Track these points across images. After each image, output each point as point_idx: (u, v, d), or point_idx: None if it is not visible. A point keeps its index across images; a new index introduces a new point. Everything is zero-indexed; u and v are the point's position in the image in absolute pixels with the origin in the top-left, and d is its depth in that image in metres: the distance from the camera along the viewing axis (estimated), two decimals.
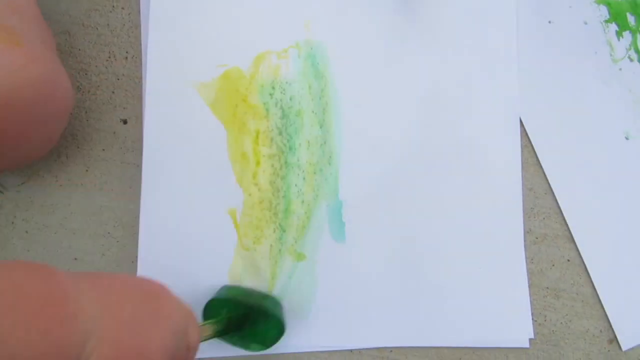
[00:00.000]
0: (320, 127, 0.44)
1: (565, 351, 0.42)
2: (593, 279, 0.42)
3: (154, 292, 0.34)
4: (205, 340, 0.38)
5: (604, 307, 0.42)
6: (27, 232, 0.45)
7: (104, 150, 0.45)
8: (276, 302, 0.42)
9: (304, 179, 0.44)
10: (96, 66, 0.46)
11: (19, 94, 0.34)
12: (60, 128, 0.42)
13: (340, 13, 0.45)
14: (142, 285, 0.34)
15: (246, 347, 0.42)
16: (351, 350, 0.43)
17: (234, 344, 0.41)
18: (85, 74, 0.46)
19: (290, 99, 0.45)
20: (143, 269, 0.43)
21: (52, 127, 0.40)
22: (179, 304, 0.34)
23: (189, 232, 0.43)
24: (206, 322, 0.39)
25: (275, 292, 0.43)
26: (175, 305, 0.34)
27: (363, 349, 0.43)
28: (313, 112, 0.44)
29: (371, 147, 0.44)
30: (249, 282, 0.43)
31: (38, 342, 0.26)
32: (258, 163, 0.44)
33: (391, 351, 0.43)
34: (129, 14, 0.46)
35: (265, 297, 0.42)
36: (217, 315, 0.40)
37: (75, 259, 0.44)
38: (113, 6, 0.46)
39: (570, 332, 0.43)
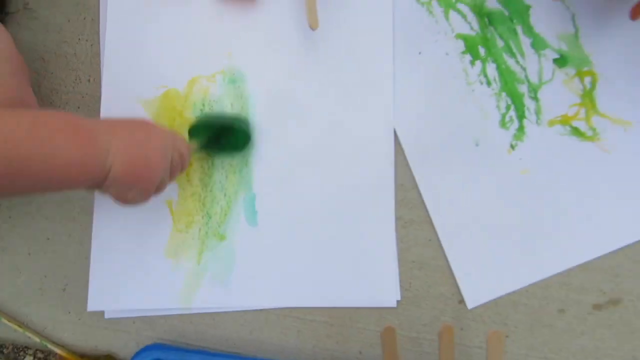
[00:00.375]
0: None
1: (425, 310, 0.54)
2: (447, 255, 0.54)
3: (145, 123, 0.49)
4: (194, 152, 0.53)
5: (455, 276, 0.54)
6: (10, 217, 0.57)
7: None
8: (244, 120, 0.56)
9: (226, 177, 0.56)
10: (65, 87, 0.58)
11: None
12: None
13: (256, 46, 0.57)
14: (135, 121, 0.49)
15: (226, 155, 0.56)
16: (260, 310, 0.55)
17: (217, 154, 0.56)
18: (57, 92, 0.58)
19: None
20: (96, 246, 0.55)
21: None
22: (164, 128, 0.50)
23: (134, 217, 0.55)
24: (191, 140, 0.54)
25: (201, 265, 0.55)
26: (161, 129, 0.49)
27: (269, 308, 0.55)
28: None
29: (278, 151, 0.56)
30: (181, 257, 0.55)
31: (79, 151, 0.41)
32: (190, 164, 0.56)
33: (291, 310, 0.55)
34: (91, 45, 0.58)
35: (235, 117, 0.56)
36: (199, 134, 0.54)
37: (48, 238, 0.57)
38: (79, 39, 0.58)
39: (429, 296, 0.55)
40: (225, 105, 0.57)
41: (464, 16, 0.56)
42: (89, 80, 0.58)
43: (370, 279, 0.54)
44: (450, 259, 0.54)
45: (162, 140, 0.48)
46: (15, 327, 0.55)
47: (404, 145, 0.55)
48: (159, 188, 0.49)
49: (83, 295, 0.55)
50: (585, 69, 0.54)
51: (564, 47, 0.55)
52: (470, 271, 0.54)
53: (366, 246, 0.55)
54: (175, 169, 0.50)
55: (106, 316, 0.56)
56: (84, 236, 0.56)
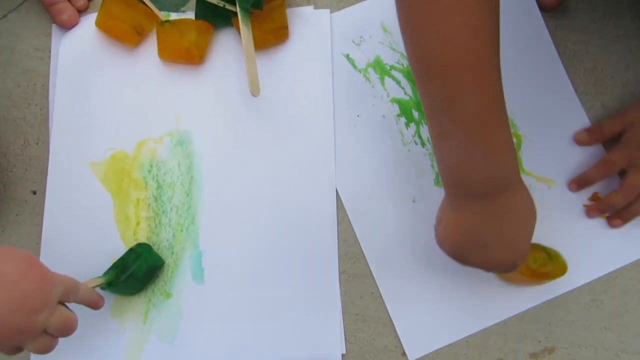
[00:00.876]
0: (187, 196, 0.58)
1: None
2: (388, 308, 0.56)
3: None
4: (98, 286, 0.52)
5: (396, 329, 0.56)
6: None
7: (17, 215, 0.58)
8: (142, 252, 0.55)
9: (173, 235, 0.57)
10: (14, 150, 0.59)
11: None
12: None
13: (201, 108, 0.60)
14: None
15: (131, 291, 0.55)
16: None
17: (123, 291, 0.55)
18: (5, 155, 0.59)
19: (164, 174, 0.58)
20: None
21: None
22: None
23: (80, 278, 0.55)
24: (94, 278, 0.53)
25: (147, 324, 0.55)
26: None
27: None
28: (181, 184, 0.58)
29: (224, 210, 0.58)
30: (127, 316, 0.55)
31: None
32: (138, 223, 0.58)
33: None
34: (40, 110, 0.60)
35: (136, 255, 0.54)
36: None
37: None
38: (29, 104, 0.60)
39: (374, 348, 0.56)
40: (172, 165, 0.58)
41: (398, 82, 0.60)
42: (37, 144, 0.59)
43: (315, 333, 0.55)
44: (391, 312, 0.56)
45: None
46: None
47: (345, 203, 0.58)
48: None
49: (26, 354, 0.55)
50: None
51: None
52: (411, 324, 0.56)
53: (311, 300, 0.56)
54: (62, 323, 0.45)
55: None
56: None
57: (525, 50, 0.60)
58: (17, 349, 0.44)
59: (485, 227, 0.45)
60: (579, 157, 0.58)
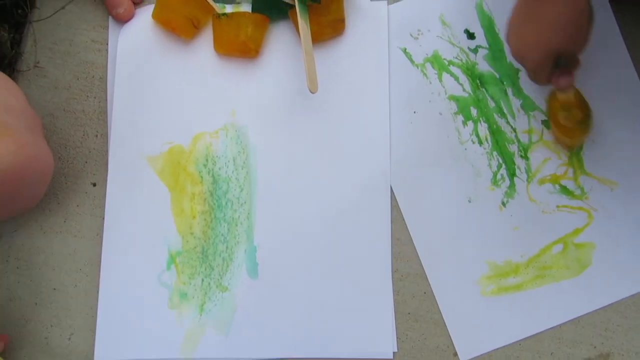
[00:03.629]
0: (242, 191, 0.59)
1: None
2: (441, 308, 0.56)
3: None
4: None
5: (448, 329, 0.56)
6: (17, 267, 0.59)
7: (78, 206, 0.59)
8: None
9: (228, 229, 0.58)
10: (73, 142, 0.60)
11: (10, 172, 0.47)
12: (42, 190, 0.55)
13: (257, 103, 0.60)
14: None
15: None
16: None
17: None
18: (65, 147, 0.60)
19: (219, 169, 0.59)
20: (103, 298, 0.57)
21: (36, 190, 0.54)
22: None
23: (139, 269, 0.57)
24: None
25: (203, 316, 0.57)
26: None
27: (269, 358, 0.57)
28: (236, 179, 0.59)
29: (279, 205, 0.58)
30: (184, 308, 0.57)
31: None
32: (194, 217, 0.58)
33: None
34: (99, 102, 0.60)
35: None
36: None
37: (54, 289, 0.58)
38: (87, 96, 0.61)
39: (425, 348, 0.56)
40: (227, 160, 0.59)
41: (456, 78, 0.59)
42: (96, 136, 0.60)
43: (367, 331, 0.56)
44: (443, 312, 0.56)
45: None
46: None
47: (399, 201, 0.57)
48: None
49: (87, 345, 0.57)
50: None
51: None
52: (464, 325, 0.56)
53: (364, 298, 0.56)
54: None
55: None
56: (90, 287, 0.58)
57: (593, 43, 0.57)
58: None
59: (520, 21, 0.51)
60: None
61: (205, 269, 0.58)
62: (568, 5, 0.48)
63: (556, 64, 0.51)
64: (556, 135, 0.57)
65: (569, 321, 0.55)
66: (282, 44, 0.60)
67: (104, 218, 0.58)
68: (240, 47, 0.59)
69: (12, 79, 0.60)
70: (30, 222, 0.59)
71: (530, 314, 0.55)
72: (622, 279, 0.55)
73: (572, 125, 0.55)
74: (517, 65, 0.57)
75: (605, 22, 0.58)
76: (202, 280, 0.58)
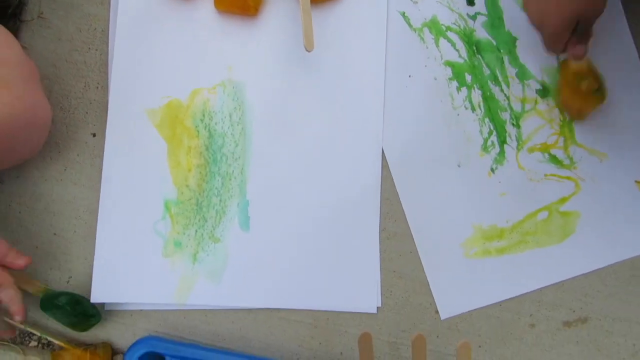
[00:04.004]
0: (236, 146, 0.60)
1: (403, 317, 0.58)
2: (425, 268, 0.58)
3: None
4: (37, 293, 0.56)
5: (431, 288, 0.58)
6: (20, 212, 0.61)
7: (78, 155, 0.61)
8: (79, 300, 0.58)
9: (222, 183, 0.60)
10: (75, 93, 0.61)
11: (7, 123, 0.48)
12: (41, 140, 0.57)
13: (254, 61, 0.60)
14: None
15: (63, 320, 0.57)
16: (249, 309, 0.59)
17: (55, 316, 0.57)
18: (67, 98, 0.61)
19: (216, 124, 0.60)
20: (100, 244, 0.59)
21: (36, 140, 0.56)
22: None
23: (135, 218, 0.59)
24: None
25: (196, 265, 0.59)
26: None
27: (258, 308, 0.59)
28: (232, 134, 0.60)
29: (272, 162, 0.60)
30: (177, 257, 0.59)
31: None
32: (189, 170, 0.60)
33: (278, 311, 0.59)
34: (100, 55, 0.62)
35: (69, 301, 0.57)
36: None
37: (55, 234, 0.61)
38: (89, 48, 0.62)
39: (409, 304, 0.58)
40: (224, 115, 0.60)
41: (453, 44, 0.59)
42: (97, 88, 0.61)
43: (353, 286, 0.58)
44: (427, 271, 0.58)
45: None
46: (17, 323, 0.59)
47: (389, 162, 0.59)
48: None
49: (86, 287, 0.59)
50: None
51: (547, 79, 0.58)
52: (446, 284, 0.57)
53: (351, 254, 0.58)
54: None
55: (106, 308, 0.60)
56: (88, 233, 0.60)
57: (600, 34, 0.57)
58: None
59: None
60: (634, 134, 0.57)
61: (199, 220, 0.60)
62: None
63: (573, 32, 0.51)
64: (568, 103, 0.57)
65: (550, 285, 0.57)
66: (282, 2, 0.60)
67: (102, 168, 0.60)
68: (240, 4, 0.59)
69: (16, 29, 0.62)
70: (31, 169, 0.61)
71: (511, 277, 0.57)
72: (604, 248, 0.57)
73: (589, 92, 0.55)
74: (515, 33, 0.58)
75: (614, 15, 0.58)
76: (196, 231, 0.60)
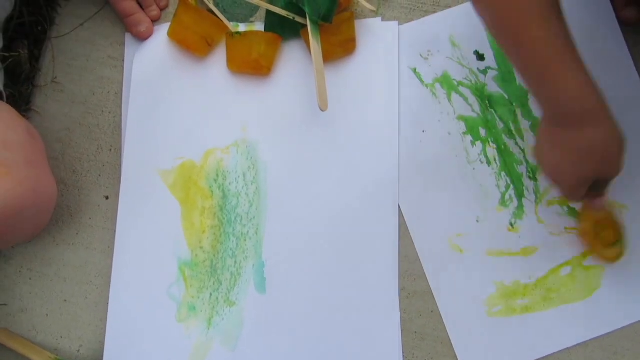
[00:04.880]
0: (251, 206, 0.59)
1: None
2: (447, 327, 0.56)
3: None
4: None
5: (454, 349, 0.56)
6: (30, 279, 0.60)
7: (90, 218, 0.60)
8: None
9: (237, 244, 0.59)
10: (88, 155, 0.61)
11: (10, 208, 0.48)
12: (45, 220, 0.56)
13: (267, 120, 0.61)
14: None
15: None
16: None
17: None
18: (79, 161, 0.61)
19: (230, 184, 0.60)
20: (113, 310, 0.58)
21: (38, 220, 0.55)
22: None
23: (149, 282, 0.58)
24: None
25: (211, 330, 0.57)
26: None
27: None
28: (246, 194, 0.59)
29: (287, 221, 0.59)
30: (192, 322, 0.57)
31: None
32: (204, 231, 0.59)
33: None
34: (114, 117, 0.62)
35: None
36: None
37: (65, 300, 0.59)
38: (102, 111, 0.62)
39: None
40: (237, 175, 0.60)
41: (465, 99, 0.59)
42: (110, 150, 0.61)
43: (373, 349, 0.56)
44: (450, 331, 0.56)
45: None
46: None
47: (407, 219, 0.58)
48: None
49: (97, 356, 0.57)
50: None
51: None
52: (470, 345, 0.55)
53: (370, 316, 0.57)
54: None
55: None
56: (100, 299, 0.59)
57: (603, 65, 0.57)
58: None
59: (551, 147, 0.50)
60: None
61: (214, 283, 0.58)
62: (598, 133, 0.46)
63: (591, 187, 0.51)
64: (596, 250, 0.56)
65: (577, 345, 0.55)
66: (294, 62, 0.61)
67: (115, 231, 0.59)
68: (253, 64, 0.60)
69: (30, 93, 0.62)
70: (43, 233, 0.60)
71: (537, 336, 0.55)
72: (631, 303, 0.55)
73: (608, 246, 0.55)
74: (526, 86, 0.58)
75: (616, 44, 0.58)
76: (211, 294, 0.58)
